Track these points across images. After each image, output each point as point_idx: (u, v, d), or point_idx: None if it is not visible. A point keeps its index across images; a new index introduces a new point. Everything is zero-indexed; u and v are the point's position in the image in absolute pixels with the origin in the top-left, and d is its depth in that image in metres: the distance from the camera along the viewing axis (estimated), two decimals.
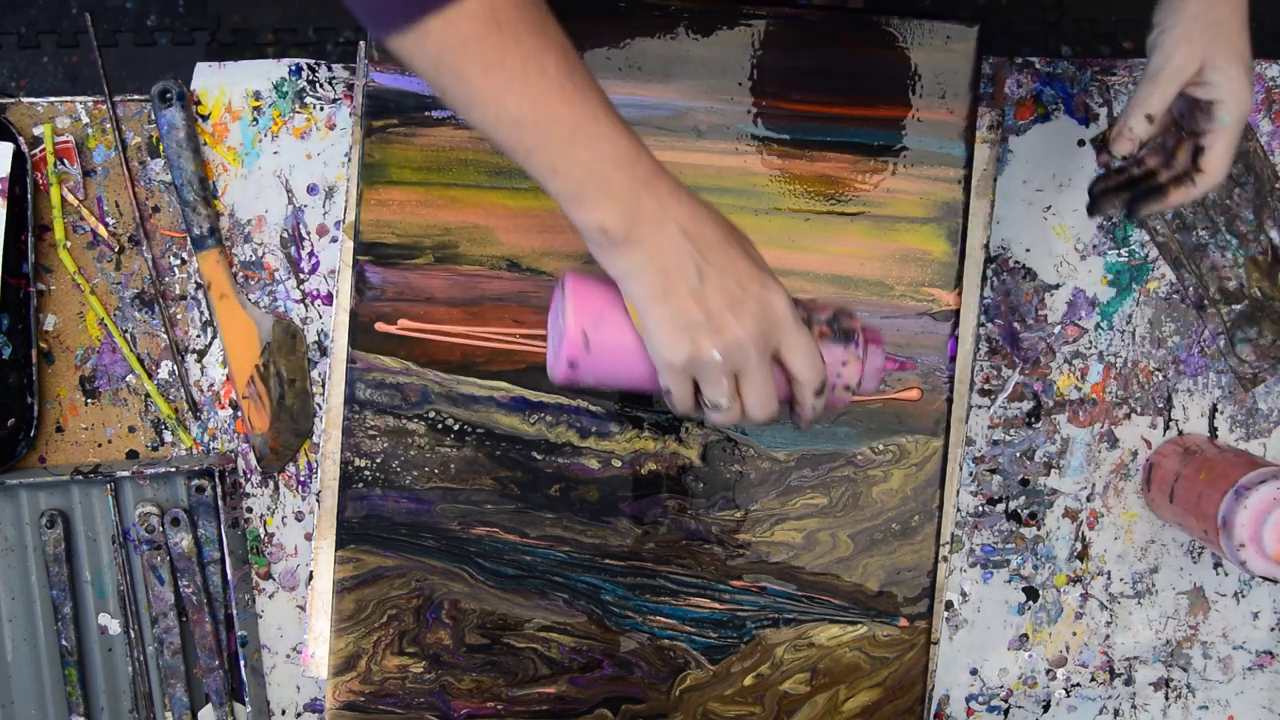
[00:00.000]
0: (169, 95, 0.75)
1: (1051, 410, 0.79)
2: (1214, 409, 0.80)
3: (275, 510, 0.78)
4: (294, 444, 0.77)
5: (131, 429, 0.78)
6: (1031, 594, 0.80)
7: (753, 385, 0.57)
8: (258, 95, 0.77)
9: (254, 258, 0.77)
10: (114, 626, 0.77)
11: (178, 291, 0.77)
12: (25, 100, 0.76)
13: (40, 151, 0.75)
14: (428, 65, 0.54)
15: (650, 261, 0.55)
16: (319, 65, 0.77)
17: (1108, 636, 0.81)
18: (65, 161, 0.76)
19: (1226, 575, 0.81)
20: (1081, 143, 0.79)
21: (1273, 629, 0.82)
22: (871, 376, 0.61)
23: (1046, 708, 0.81)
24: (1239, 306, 0.79)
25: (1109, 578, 0.80)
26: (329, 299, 0.77)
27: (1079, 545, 0.80)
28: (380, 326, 0.73)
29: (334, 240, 0.77)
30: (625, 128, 0.55)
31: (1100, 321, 0.79)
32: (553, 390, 0.73)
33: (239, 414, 0.78)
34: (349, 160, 0.76)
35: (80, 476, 0.74)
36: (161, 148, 0.76)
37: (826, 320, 0.59)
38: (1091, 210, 0.70)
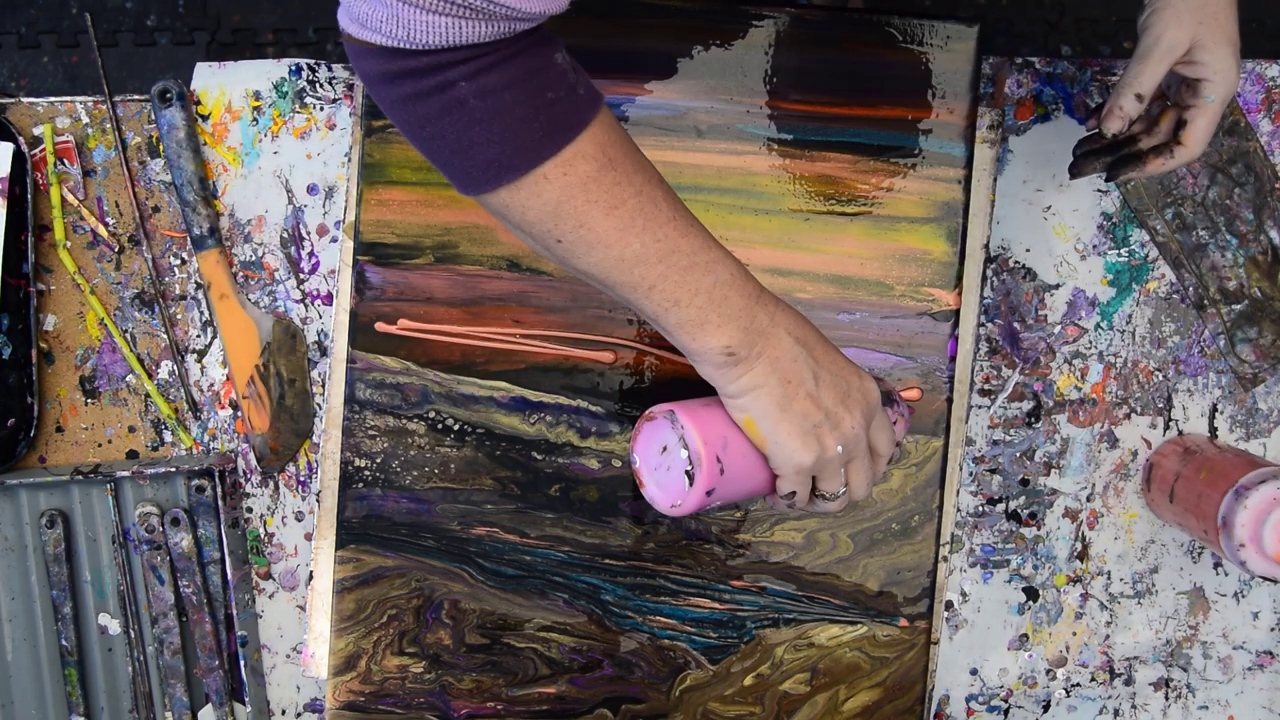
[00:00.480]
0: (169, 95, 0.75)
1: (1051, 410, 0.79)
2: (1214, 409, 0.80)
3: (275, 510, 0.78)
4: (294, 444, 0.77)
5: (131, 429, 0.78)
6: (1031, 594, 0.80)
7: (861, 469, 0.60)
8: (258, 95, 0.77)
9: (254, 258, 0.77)
10: (114, 626, 0.77)
11: (178, 291, 0.77)
12: (25, 100, 0.76)
13: (40, 151, 0.75)
14: (544, 215, 0.53)
15: (772, 373, 0.57)
16: (319, 65, 0.77)
17: (1108, 636, 0.81)
18: (65, 161, 0.76)
19: (1226, 575, 0.81)
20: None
21: (1273, 629, 0.82)
22: (907, 427, 0.67)
23: (1046, 708, 0.81)
24: (1239, 306, 0.79)
25: (1109, 578, 0.80)
26: (329, 299, 0.77)
27: (1079, 545, 0.80)
28: (380, 326, 0.73)
29: (334, 240, 0.77)
30: (727, 250, 0.57)
31: (1100, 321, 0.79)
32: (553, 390, 0.73)
33: (239, 414, 0.78)
34: (349, 160, 0.76)
35: (80, 476, 0.74)
36: (161, 148, 0.76)
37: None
38: (1073, 171, 0.71)
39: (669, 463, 0.59)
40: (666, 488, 0.60)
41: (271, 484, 0.78)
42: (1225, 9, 0.64)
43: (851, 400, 0.59)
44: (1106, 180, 0.70)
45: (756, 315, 0.57)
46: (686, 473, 0.58)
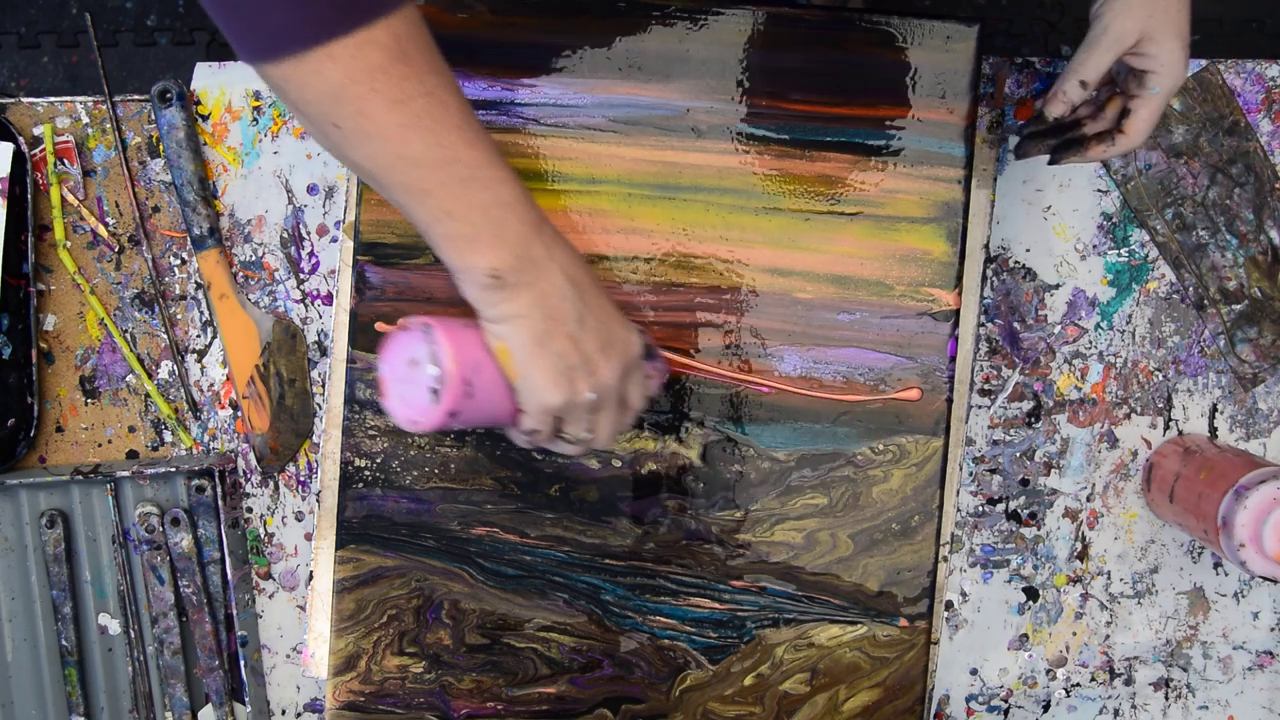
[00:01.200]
0: (169, 95, 0.75)
1: (1051, 410, 0.79)
2: (1214, 409, 0.80)
3: (275, 510, 0.78)
4: (294, 444, 0.77)
5: (131, 429, 0.78)
6: (1031, 594, 0.80)
7: (609, 419, 0.60)
8: (258, 95, 0.77)
9: (254, 258, 0.77)
10: (114, 626, 0.77)
11: (178, 291, 0.77)
12: (25, 100, 0.76)
13: (40, 151, 0.75)
14: (324, 96, 0.50)
15: (537, 306, 0.56)
16: None
17: (1108, 636, 0.81)
18: (65, 161, 0.76)
19: (1226, 575, 0.81)
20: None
21: (1273, 629, 0.82)
22: (661, 384, 0.68)
23: (1046, 708, 0.81)
24: (1239, 306, 0.79)
25: (1109, 578, 0.80)
26: (329, 299, 0.77)
27: (1079, 545, 0.80)
28: (380, 326, 0.73)
29: (334, 240, 0.77)
30: (515, 174, 0.56)
31: (1100, 321, 0.79)
32: None
33: (239, 414, 0.78)
34: None
35: (80, 476, 0.74)
36: (161, 148, 0.76)
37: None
38: (1018, 152, 0.72)
39: (416, 377, 0.57)
40: (410, 402, 0.57)
41: (271, 484, 0.78)
42: (1176, 3, 0.64)
43: (612, 350, 0.58)
44: (1050, 163, 0.71)
45: (532, 244, 0.55)
46: (433, 390, 0.56)
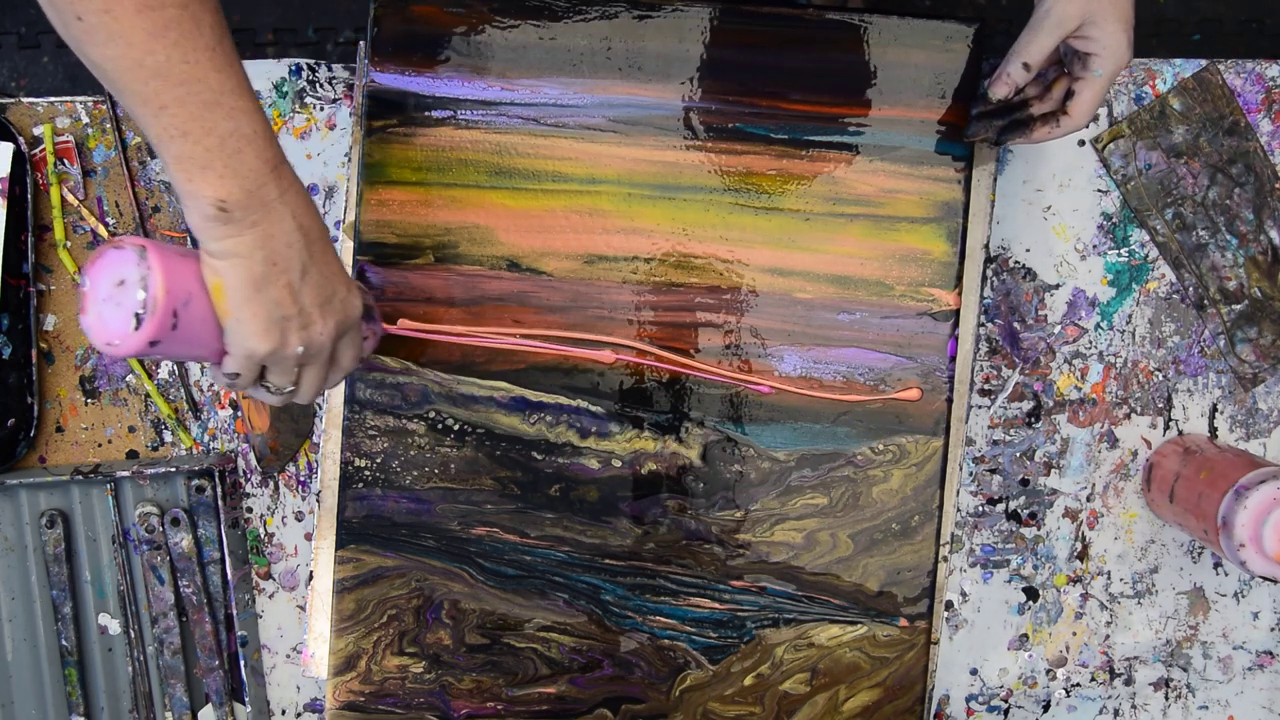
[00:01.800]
0: None
1: (1051, 410, 0.79)
2: (1214, 409, 0.80)
3: (275, 510, 0.78)
4: (294, 444, 0.77)
5: (131, 429, 0.78)
6: (1031, 594, 0.80)
7: (315, 375, 0.59)
8: (258, 95, 0.77)
9: None
10: (114, 626, 0.77)
11: None
12: (25, 100, 0.76)
13: (40, 151, 0.75)
14: None
15: (259, 248, 0.54)
16: (319, 65, 0.77)
17: (1108, 636, 0.81)
18: (65, 161, 0.76)
19: (1226, 575, 0.81)
20: (1081, 143, 0.79)
21: (1273, 629, 0.82)
22: (375, 346, 0.68)
23: (1046, 708, 0.81)
24: (1239, 306, 0.79)
25: (1109, 578, 0.80)
26: None
27: (1079, 545, 0.80)
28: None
29: (334, 240, 0.77)
30: (261, 109, 0.54)
31: (1100, 321, 0.79)
32: (553, 390, 0.73)
33: (239, 414, 0.77)
34: (349, 160, 0.76)
35: (80, 476, 0.74)
36: None
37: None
38: (967, 133, 0.72)
39: (121, 298, 0.54)
40: (109, 323, 0.54)
41: (271, 484, 0.78)
42: None
43: (331, 307, 0.57)
44: (994, 144, 0.71)
45: (266, 184, 0.54)
46: (136, 315, 0.54)
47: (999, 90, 0.68)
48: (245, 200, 0.53)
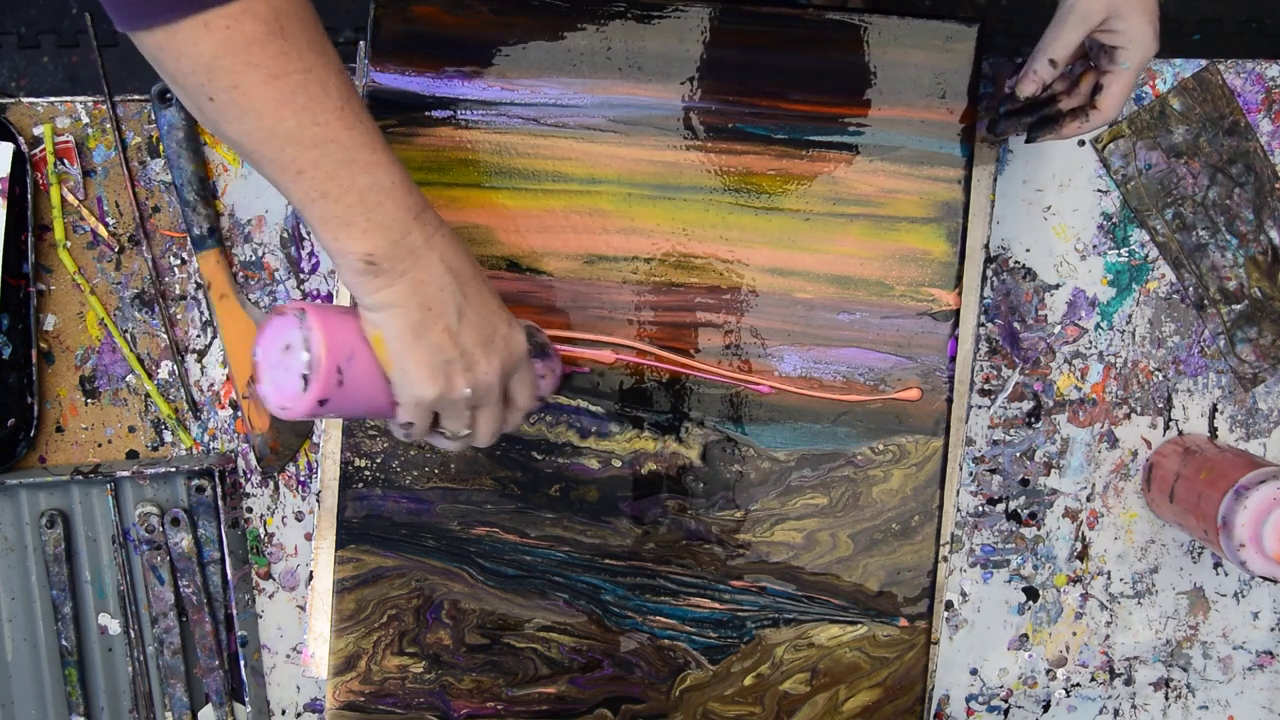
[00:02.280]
0: (169, 95, 0.75)
1: (1051, 410, 0.79)
2: (1214, 409, 0.80)
3: (275, 510, 0.78)
4: (294, 444, 0.77)
5: (131, 429, 0.78)
6: (1031, 594, 0.80)
7: (489, 417, 0.59)
8: None
9: (254, 258, 0.77)
10: (114, 626, 0.77)
11: (178, 291, 0.77)
12: (25, 100, 0.76)
13: (40, 151, 0.75)
14: (199, 67, 0.50)
15: (413, 295, 0.55)
16: None
17: (1108, 636, 0.81)
18: (65, 161, 0.76)
19: (1226, 575, 0.81)
20: (1082, 143, 0.79)
21: (1273, 629, 0.82)
22: (556, 385, 0.67)
23: (1046, 708, 0.81)
24: (1239, 306, 0.79)
25: (1109, 578, 0.80)
26: (329, 299, 0.77)
27: (1079, 545, 0.80)
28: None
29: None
30: (397, 160, 0.55)
31: (1100, 321, 0.79)
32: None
33: (239, 414, 0.78)
34: None
35: (80, 476, 0.74)
36: (161, 148, 0.76)
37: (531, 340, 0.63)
38: (992, 130, 0.72)
39: (289, 363, 0.56)
40: (281, 388, 0.56)
41: (271, 484, 0.78)
42: None
43: (493, 347, 0.57)
44: (1026, 141, 0.71)
45: (411, 231, 0.54)
46: (303, 376, 0.55)
47: (1027, 88, 0.67)
48: (391, 251, 0.54)
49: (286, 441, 0.77)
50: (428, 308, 0.55)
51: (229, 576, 0.76)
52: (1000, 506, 0.80)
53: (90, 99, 0.76)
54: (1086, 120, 0.68)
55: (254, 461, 0.78)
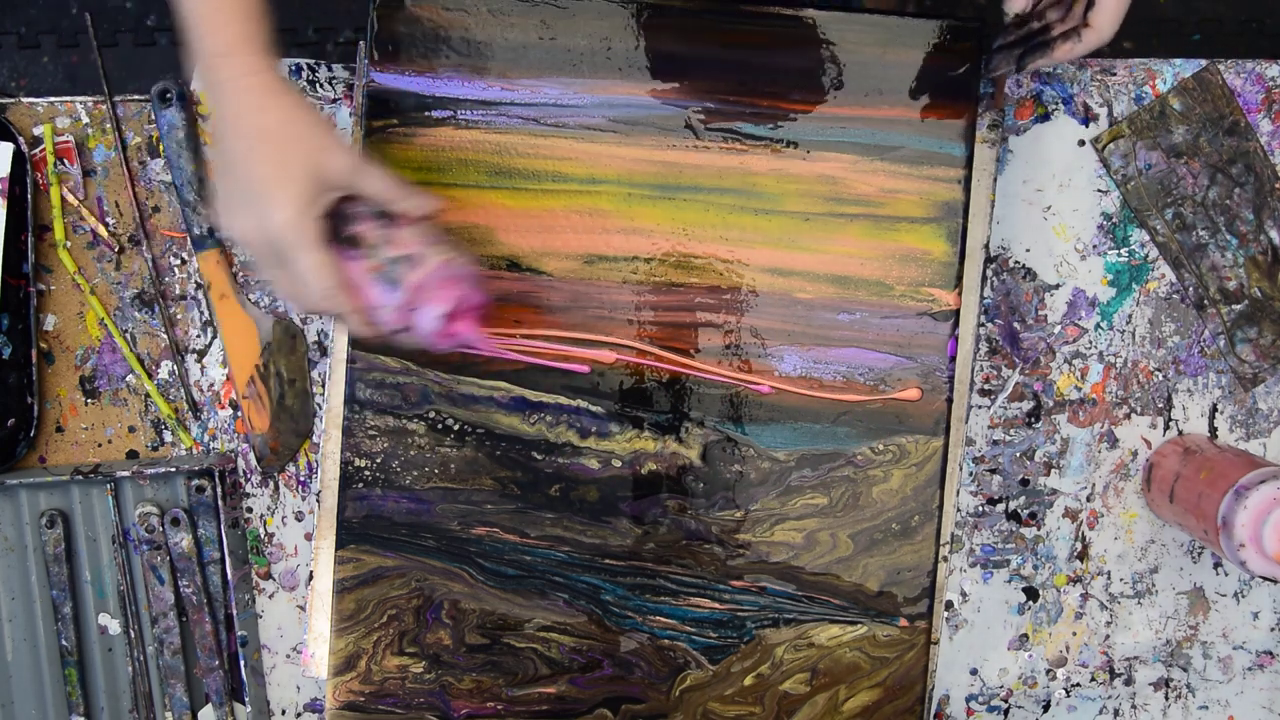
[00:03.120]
0: (169, 95, 0.75)
1: (1051, 410, 0.79)
2: (1214, 409, 0.80)
3: (275, 510, 0.78)
4: (294, 444, 0.77)
5: (131, 429, 0.78)
6: (1031, 594, 0.80)
7: (281, 280, 0.59)
8: None
9: (254, 258, 0.77)
10: (114, 626, 0.77)
11: (178, 291, 0.77)
12: (25, 100, 0.76)
13: (40, 151, 0.75)
14: None
15: (213, 118, 0.59)
16: (319, 65, 0.77)
17: (1108, 636, 0.81)
18: (65, 161, 0.76)
19: (1226, 575, 0.81)
20: (1082, 143, 0.79)
21: (1273, 629, 0.82)
22: (428, 331, 0.62)
23: (1046, 708, 0.81)
24: (1239, 306, 0.79)
25: (1109, 578, 0.80)
26: None
27: (1079, 545, 0.80)
28: None
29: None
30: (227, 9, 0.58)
31: (1100, 321, 0.79)
32: (553, 390, 0.73)
33: (239, 414, 0.77)
34: None
35: (80, 476, 0.74)
36: (161, 148, 0.76)
37: (388, 259, 0.60)
38: (987, 68, 0.71)
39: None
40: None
41: (271, 484, 0.78)
42: None
43: (249, 210, 0.58)
44: (1016, 71, 0.69)
45: (215, 68, 0.57)
46: None
47: (1015, 4, 0.65)
48: (204, 72, 0.57)
49: (286, 441, 0.77)
50: (214, 138, 0.59)
51: (229, 576, 0.76)
52: (1000, 506, 0.80)
53: (90, 99, 0.76)
54: (1079, 41, 0.65)
55: (254, 461, 0.78)
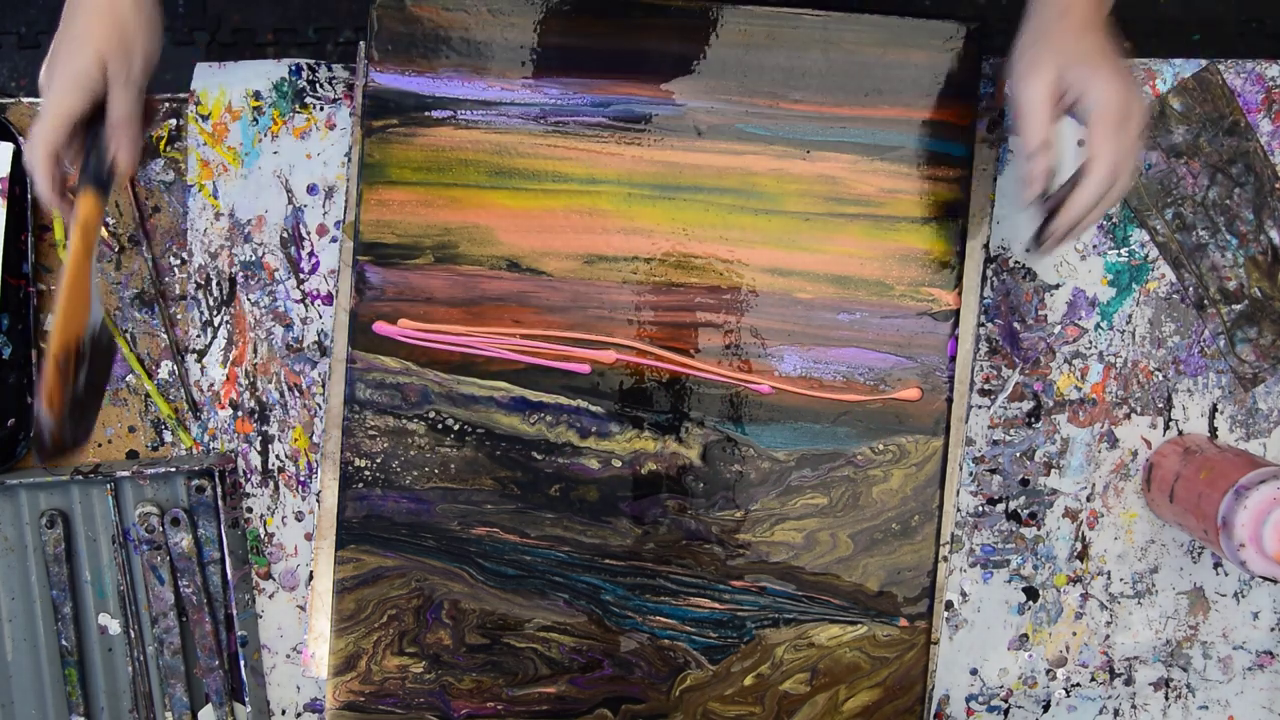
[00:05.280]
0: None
1: (1051, 410, 0.79)
2: (1214, 409, 0.80)
3: (275, 510, 0.78)
4: (68, 446, 0.65)
5: (131, 429, 0.78)
6: (1031, 594, 0.80)
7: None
8: (258, 95, 0.77)
9: (254, 258, 0.77)
10: (114, 626, 0.77)
11: (178, 291, 0.77)
12: (25, 100, 0.76)
13: None
14: None
15: None
16: (319, 65, 0.77)
17: (1108, 636, 0.81)
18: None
19: (1226, 575, 0.81)
20: (1081, 143, 0.78)
21: (1273, 629, 0.82)
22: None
23: (1046, 708, 0.81)
24: (1239, 306, 0.79)
25: (1109, 578, 0.80)
26: (329, 299, 0.77)
27: (1079, 545, 0.80)
28: (379, 327, 0.73)
29: (334, 240, 0.77)
30: None
31: (1100, 321, 0.79)
32: (553, 390, 0.73)
33: (239, 415, 0.77)
34: (349, 160, 0.76)
35: (80, 476, 0.74)
36: (163, 145, 0.76)
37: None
38: (1039, 250, 0.66)
39: None
40: None
41: (271, 484, 0.78)
42: (1075, 29, 0.62)
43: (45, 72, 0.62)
44: (1038, 247, 0.65)
45: None
46: None
47: (1036, 187, 0.63)
48: None
49: (68, 437, 0.64)
50: None
51: (229, 576, 0.76)
52: (1000, 506, 0.80)
53: None
54: (1083, 186, 0.62)
55: (254, 461, 0.78)
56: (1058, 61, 0.62)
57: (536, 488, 0.74)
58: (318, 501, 0.76)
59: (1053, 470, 0.80)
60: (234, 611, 0.76)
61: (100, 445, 0.78)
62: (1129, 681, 0.81)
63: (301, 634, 0.78)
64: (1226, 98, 0.79)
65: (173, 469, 0.75)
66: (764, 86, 0.73)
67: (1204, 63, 0.78)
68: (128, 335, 0.77)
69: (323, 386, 0.77)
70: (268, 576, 0.78)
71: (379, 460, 0.73)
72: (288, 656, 0.78)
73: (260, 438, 0.78)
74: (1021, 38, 0.65)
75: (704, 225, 0.73)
